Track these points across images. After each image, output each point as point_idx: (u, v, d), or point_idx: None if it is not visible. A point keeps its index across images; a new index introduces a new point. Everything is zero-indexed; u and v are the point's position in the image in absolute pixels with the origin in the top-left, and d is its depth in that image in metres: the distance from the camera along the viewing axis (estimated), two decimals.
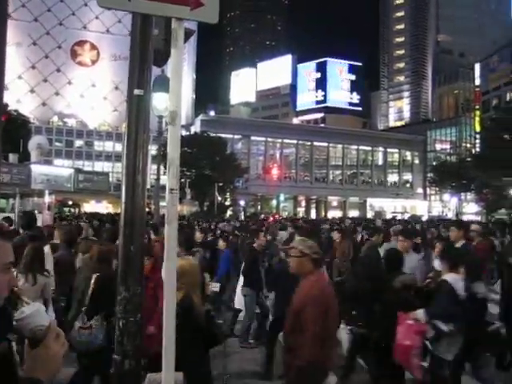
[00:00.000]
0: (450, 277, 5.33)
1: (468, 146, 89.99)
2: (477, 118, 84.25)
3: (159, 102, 8.86)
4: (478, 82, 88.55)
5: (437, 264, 6.53)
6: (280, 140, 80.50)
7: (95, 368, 4.86)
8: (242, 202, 64.87)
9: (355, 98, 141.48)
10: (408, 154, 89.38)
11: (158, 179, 11.06)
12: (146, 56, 3.10)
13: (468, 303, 5.26)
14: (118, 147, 77.37)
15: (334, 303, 3.89)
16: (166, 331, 2.48)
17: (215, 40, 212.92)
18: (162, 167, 12.39)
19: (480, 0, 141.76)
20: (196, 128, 73.28)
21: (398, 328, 5.05)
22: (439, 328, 5.08)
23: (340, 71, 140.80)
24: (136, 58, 3.10)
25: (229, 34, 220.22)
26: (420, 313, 5.15)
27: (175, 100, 2.55)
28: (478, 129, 74.57)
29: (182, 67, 2.66)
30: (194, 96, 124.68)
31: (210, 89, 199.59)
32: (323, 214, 76.99)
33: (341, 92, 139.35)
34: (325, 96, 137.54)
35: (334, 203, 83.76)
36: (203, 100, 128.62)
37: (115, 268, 4.30)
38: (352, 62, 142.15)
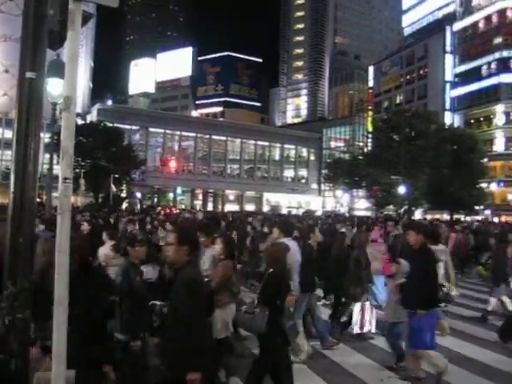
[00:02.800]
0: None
1: (361, 144, 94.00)
2: (369, 118, 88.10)
3: (53, 87, 8.45)
4: (371, 83, 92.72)
5: None
6: (179, 132, 79.82)
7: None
8: (138, 194, 63.60)
9: (254, 93, 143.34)
10: (304, 150, 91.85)
11: (50, 169, 10.52)
12: (39, 37, 2.93)
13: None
14: (8, 134, 72.88)
15: None
16: (57, 325, 2.38)
17: (115, 27, 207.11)
18: (55, 156, 11.85)
19: (374, 6, 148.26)
20: (92, 117, 70.85)
21: None
22: None
23: (240, 66, 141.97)
24: (29, 39, 2.92)
25: (129, 22, 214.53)
26: None
27: (70, 85, 2.44)
28: (370, 128, 77.91)
29: (79, 52, 2.55)
30: (92, 84, 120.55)
31: (109, 77, 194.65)
32: (220, 207, 77.30)
33: (240, 87, 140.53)
34: (224, 90, 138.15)
35: (231, 197, 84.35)
36: (101, 89, 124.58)
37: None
38: (252, 58, 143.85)
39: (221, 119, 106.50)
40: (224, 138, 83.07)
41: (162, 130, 78.10)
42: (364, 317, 8.43)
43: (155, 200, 75.43)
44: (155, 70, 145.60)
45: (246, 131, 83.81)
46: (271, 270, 5.44)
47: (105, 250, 8.01)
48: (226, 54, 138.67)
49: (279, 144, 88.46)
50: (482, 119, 66.15)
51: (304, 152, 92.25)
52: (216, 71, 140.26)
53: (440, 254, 8.40)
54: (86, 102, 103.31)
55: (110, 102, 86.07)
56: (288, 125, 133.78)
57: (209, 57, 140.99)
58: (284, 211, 67.82)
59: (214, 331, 5.59)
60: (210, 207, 76.21)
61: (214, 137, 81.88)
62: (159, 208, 48.89)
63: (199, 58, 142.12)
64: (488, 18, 66.31)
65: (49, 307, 2.89)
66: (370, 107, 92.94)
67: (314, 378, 6.76)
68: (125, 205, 56.25)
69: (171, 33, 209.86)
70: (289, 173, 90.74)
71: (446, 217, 49.56)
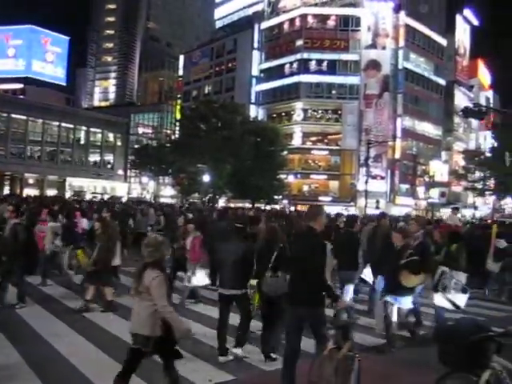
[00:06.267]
0: None
1: (168, 132, 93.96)
2: (178, 107, 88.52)
3: None
4: (181, 72, 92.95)
5: None
6: None
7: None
8: None
9: (60, 72, 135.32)
10: (111, 135, 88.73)
11: None
12: None
13: None
14: None
15: None
16: None
17: None
18: None
19: None
20: None
21: None
22: None
23: (45, 42, 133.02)
24: None
25: None
26: None
27: None
28: (178, 116, 78.32)
29: None
30: None
31: None
32: (18, 191, 71.50)
33: (44, 64, 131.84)
34: (26, 66, 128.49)
35: (31, 180, 78.52)
36: None
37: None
38: (59, 35, 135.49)
39: (21, 97, 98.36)
40: (24, 118, 76.60)
41: None
42: None
43: None
44: None
45: (49, 111, 78.21)
46: (281, 245, 7.20)
47: None
48: (29, 26, 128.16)
49: (85, 127, 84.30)
50: (283, 114, 70.20)
51: (111, 137, 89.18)
52: (17, 44, 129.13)
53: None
54: None
55: None
56: (95, 107, 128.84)
57: (9, 27, 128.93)
58: (88, 197, 65.07)
59: None
60: (6, 191, 70.05)
61: (12, 115, 75.03)
62: None
63: None
64: (292, 21, 70.53)
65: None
66: (179, 95, 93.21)
67: None
68: None
69: None
70: (94, 157, 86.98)
71: (247, 205, 51.67)
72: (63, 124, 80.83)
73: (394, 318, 7.85)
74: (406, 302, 7.90)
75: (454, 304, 7.94)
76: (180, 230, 12.04)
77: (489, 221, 33.51)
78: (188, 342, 7.57)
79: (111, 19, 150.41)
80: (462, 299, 7.97)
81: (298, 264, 5.64)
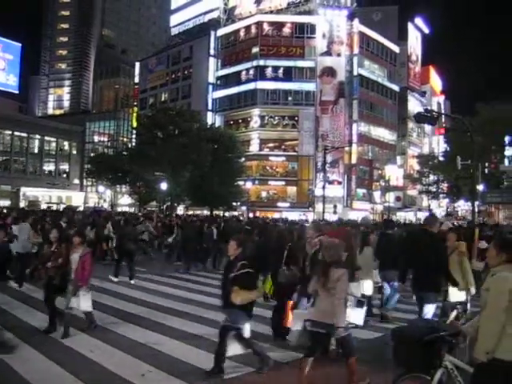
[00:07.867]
0: None
1: (125, 140, 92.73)
2: (134, 114, 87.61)
3: None
4: (137, 79, 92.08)
5: None
6: None
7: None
8: None
9: (12, 79, 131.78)
10: (66, 143, 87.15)
11: None
12: None
13: None
14: None
15: None
16: None
17: None
18: None
19: (143, 2, 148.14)
20: None
21: None
22: None
23: None
24: None
25: None
26: None
27: None
28: (134, 124, 77.51)
29: None
30: None
31: None
32: None
33: None
34: None
35: None
36: None
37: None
38: (11, 41, 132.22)
39: None
40: None
41: None
42: None
43: None
44: None
45: (1, 120, 76.32)
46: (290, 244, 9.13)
47: None
48: None
49: (39, 136, 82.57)
50: (240, 121, 70.27)
51: (66, 145, 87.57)
52: None
53: None
54: None
55: None
56: (49, 116, 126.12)
57: None
58: (44, 207, 63.54)
59: None
60: None
61: None
62: None
63: None
64: (248, 28, 70.84)
65: None
66: (135, 103, 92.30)
67: None
68: None
69: None
70: (49, 166, 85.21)
71: (206, 212, 51.51)
72: (16, 133, 79.11)
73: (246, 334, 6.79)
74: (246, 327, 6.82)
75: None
76: (54, 245, 9.35)
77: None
78: (145, 353, 7.55)
79: (65, 26, 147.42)
80: (357, 316, 7.04)
81: (422, 257, 7.52)
